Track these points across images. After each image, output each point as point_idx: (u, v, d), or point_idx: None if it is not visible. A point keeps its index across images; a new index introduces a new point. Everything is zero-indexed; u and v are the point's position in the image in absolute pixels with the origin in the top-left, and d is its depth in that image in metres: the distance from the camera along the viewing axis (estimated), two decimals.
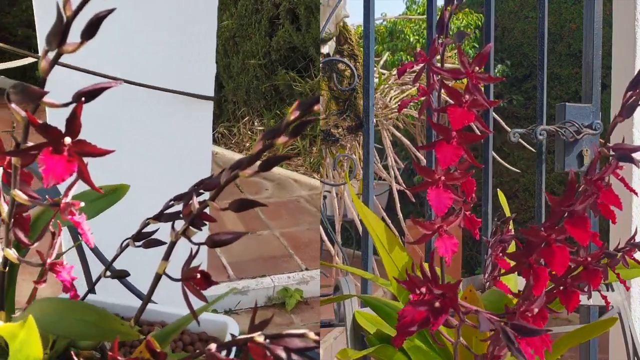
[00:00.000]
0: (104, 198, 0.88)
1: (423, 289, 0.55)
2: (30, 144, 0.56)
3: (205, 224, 0.65)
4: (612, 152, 0.66)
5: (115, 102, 1.45)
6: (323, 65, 1.81)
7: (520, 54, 4.55)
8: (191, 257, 0.66)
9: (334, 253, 1.98)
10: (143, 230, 0.75)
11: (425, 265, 0.57)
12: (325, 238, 1.94)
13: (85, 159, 0.55)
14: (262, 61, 4.56)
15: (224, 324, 0.92)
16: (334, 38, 1.94)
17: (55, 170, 0.53)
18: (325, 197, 2.23)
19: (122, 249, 0.78)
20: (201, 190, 0.66)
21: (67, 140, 0.53)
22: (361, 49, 1.85)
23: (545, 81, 1.21)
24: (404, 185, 2.16)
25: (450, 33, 0.68)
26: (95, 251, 1.10)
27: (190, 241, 0.64)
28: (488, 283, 0.88)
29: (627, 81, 0.68)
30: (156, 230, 0.74)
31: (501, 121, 2.15)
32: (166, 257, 0.68)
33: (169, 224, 0.68)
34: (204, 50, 1.55)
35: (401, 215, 2.21)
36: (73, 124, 0.54)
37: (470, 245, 4.54)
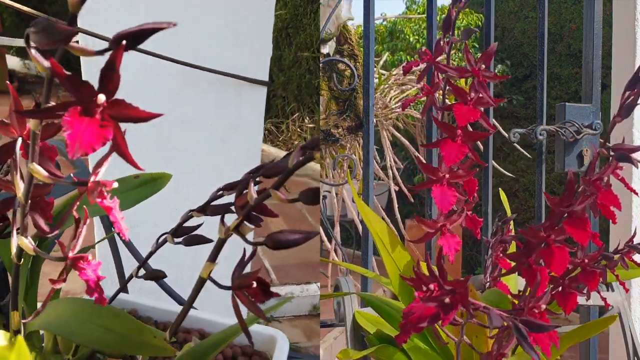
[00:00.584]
0: (142, 187, 0.76)
1: (431, 286, 0.55)
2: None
3: (262, 220, 0.54)
4: (611, 153, 0.66)
5: (160, 84, 1.36)
6: (323, 65, 1.81)
7: (520, 54, 4.55)
8: (244, 260, 0.55)
9: (332, 252, 1.98)
10: (184, 225, 0.64)
11: (423, 265, 0.58)
12: (325, 238, 1.94)
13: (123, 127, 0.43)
14: (315, 54, 4.25)
15: (271, 338, 0.82)
16: (334, 38, 1.94)
17: (84, 136, 0.40)
18: (325, 197, 2.23)
19: (158, 245, 0.67)
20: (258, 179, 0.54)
21: (101, 98, 0.40)
22: (361, 49, 1.85)
23: (545, 81, 1.21)
24: (403, 186, 2.16)
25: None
26: (130, 246, 0.99)
27: (245, 240, 0.53)
28: (488, 283, 0.88)
29: (627, 81, 0.69)
30: (200, 225, 0.64)
31: (498, 125, 2.15)
32: (212, 258, 0.56)
33: (216, 218, 0.57)
34: (259, 36, 1.44)
35: (399, 215, 2.21)
36: (109, 77, 0.40)
37: (470, 245, 4.54)
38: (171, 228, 0.65)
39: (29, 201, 0.55)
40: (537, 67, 1.22)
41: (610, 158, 0.65)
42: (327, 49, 1.95)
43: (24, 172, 0.54)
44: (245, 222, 0.53)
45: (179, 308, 0.83)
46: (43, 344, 0.73)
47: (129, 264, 0.89)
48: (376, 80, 2.13)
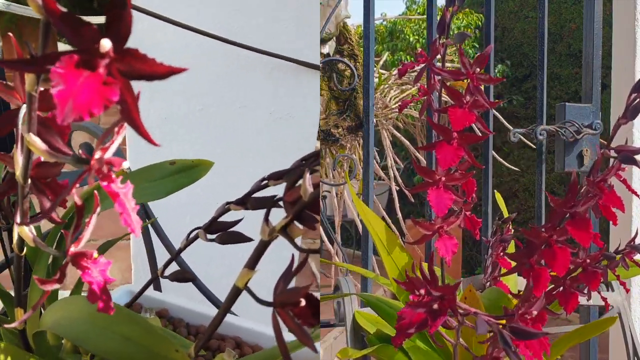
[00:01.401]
0: (178, 175, 0.67)
1: (422, 291, 0.55)
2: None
3: (317, 221, 0.43)
4: (614, 154, 0.66)
5: (217, 68, 1.32)
6: (323, 65, 1.81)
7: (520, 54, 4.55)
8: (291, 270, 0.45)
9: (333, 252, 1.98)
10: (219, 219, 0.57)
11: (425, 266, 0.57)
12: (325, 238, 1.94)
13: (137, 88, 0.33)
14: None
15: (315, 358, 0.71)
16: (334, 38, 1.94)
17: (80, 96, 0.29)
18: (325, 197, 2.23)
19: (188, 241, 0.60)
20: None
21: (106, 45, 0.30)
22: (361, 49, 1.85)
23: (545, 81, 1.21)
24: (403, 186, 2.16)
25: (451, 33, 0.68)
26: (164, 239, 0.89)
27: (294, 244, 0.43)
28: (488, 283, 0.88)
29: (627, 81, 0.68)
30: (239, 221, 0.57)
31: (502, 119, 2.15)
32: (251, 264, 0.47)
33: (260, 213, 0.48)
34: (309, 18, 1.40)
35: (400, 215, 2.21)
36: (118, 17, 0.30)
37: (470, 245, 4.53)
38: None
39: (29, 181, 0.47)
40: (537, 67, 1.22)
41: (613, 159, 0.65)
42: (327, 49, 1.95)
43: (24, 147, 0.46)
44: (295, 222, 0.42)
45: (213, 311, 0.75)
46: (63, 341, 0.65)
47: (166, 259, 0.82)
48: (376, 80, 2.13)
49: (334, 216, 2.08)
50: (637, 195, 0.68)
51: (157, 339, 0.52)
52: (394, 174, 2.17)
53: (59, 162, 0.45)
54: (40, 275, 0.60)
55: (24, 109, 0.46)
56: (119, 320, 0.52)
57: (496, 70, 4.33)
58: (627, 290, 0.84)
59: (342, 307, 0.89)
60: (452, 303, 0.54)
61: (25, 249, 0.53)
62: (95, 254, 0.48)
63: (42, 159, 0.48)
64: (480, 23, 4.23)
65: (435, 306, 0.54)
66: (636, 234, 0.76)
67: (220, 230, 0.57)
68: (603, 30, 1.20)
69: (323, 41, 1.92)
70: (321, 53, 1.96)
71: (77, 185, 0.45)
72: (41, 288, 0.47)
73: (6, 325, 0.55)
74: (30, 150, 0.44)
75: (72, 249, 0.48)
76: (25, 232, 0.49)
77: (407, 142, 2.20)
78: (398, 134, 2.20)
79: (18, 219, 0.49)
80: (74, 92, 0.29)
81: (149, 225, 0.93)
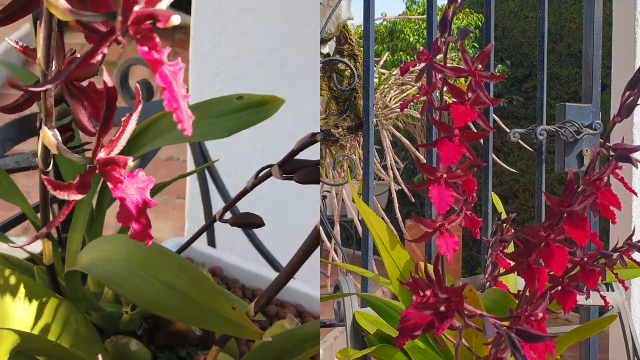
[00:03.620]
0: (245, 112, 0.57)
1: (427, 292, 0.55)
2: None
3: None
4: (611, 152, 0.66)
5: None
6: (323, 65, 1.81)
7: (520, 54, 4.55)
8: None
9: (332, 252, 1.98)
10: (297, 155, 0.45)
11: (430, 267, 0.57)
12: (325, 238, 1.94)
13: None
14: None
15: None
16: (334, 38, 1.94)
17: None
18: (324, 197, 2.23)
19: (257, 179, 0.48)
20: None
21: None
22: (361, 49, 1.85)
23: (545, 81, 1.21)
24: (404, 186, 2.16)
25: (451, 33, 0.68)
26: (219, 185, 0.78)
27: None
28: (488, 283, 0.88)
29: (627, 81, 0.69)
30: (318, 162, 0.47)
31: (500, 122, 2.15)
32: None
33: None
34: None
35: (400, 215, 2.21)
36: None
37: (470, 245, 4.53)
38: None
39: (68, 82, 0.38)
40: (537, 67, 1.22)
41: (610, 158, 0.65)
42: (327, 49, 1.95)
43: (44, 17, 0.36)
44: None
45: (272, 273, 0.67)
46: (105, 289, 0.58)
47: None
48: (376, 80, 2.13)
49: (334, 216, 2.09)
50: (636, 194, 0.68)
51: (210, 292, 0.43)
52: (394, 173, 2.18)
53: (95, 60, 0.34)
54: (82, 220, 0.51)
55: None
56: (162, 265, 0.43)
57: (496, 70, 4.33)
58: (626, 288, 0.84)
59: (342, 307, 0.89)
60: (459, 306, 0.54)
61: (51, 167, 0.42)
62: (131, 162, 0.37)
63: (111, 83, 0.37)
64: (480, 23, 4.23)
65: (442, 308, 0.54)
66: (633, 231, 0.76)
67: (296, 170, 0.48)
68: (603, 30, 1.20)
69: (323, 41, 1.93)
70: (321, 53, 1.96)
71: (99, 52, 0.33)
72: (54, 194, 0.38)
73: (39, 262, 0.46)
74: (51, 19, 0.36)
75: (101, 154, 0.37)
76: (48, 136, 0.39)
77: (407, 142, 2.20)
78: (398, 134, 2.20)
79: (41, 122, 0.40)
80: None
81: (206, 171, 0.80)
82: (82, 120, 0.41)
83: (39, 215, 0.50)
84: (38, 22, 0.37)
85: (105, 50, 0.33)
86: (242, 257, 0.73)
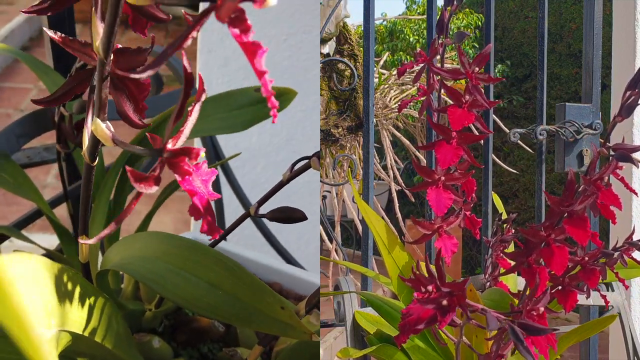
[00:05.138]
0: (261, 104, 0.56)
1: (430, 287, 0.55)
2: None
3: None
4: (611, 152, 0.66)
5: None
6: (323, 65, 1.81)
7: (520, 54, 4.55)
8: None
9: (333, 252, 1.98)
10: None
11: (430, 267, 0.57)
12: (325, 238, 1.94)
13: None
14: None
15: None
16: (334, 38, 1.94)
17: None
18: (325, 197, 2.23)
19: (293, 172, 0.47)
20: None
21: None
22: (361, 49, 1.85)
23: (545, 81, 1.21)
24: (404, 186, 2.16)
25: (450, 33, 0.68)
26: (233, 182, 0.77)
27: None
28: (488, 283, 0.88)
29: (627, 81, 0.69)
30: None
31: (499, 122, 2.15)
32: None
33: None
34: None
35: (400, 215, 2.21)
36: None
37: (470, 245, 4.54)
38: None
39: (112, 72, 0.36)
40: (537, 67, 1.22)
41: (611, 158, 0.65)
42: (327, 48, 1.95)
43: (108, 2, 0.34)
44: None
45: (287, 266, 0.66)
46: (122, 286, 0.58)
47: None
48: (376, 80, 2.13)
49: (334, 216, 2.09)
50: (636, 194, 0.68)
51: (257, 292, 0.41)
52: (394, 173, 2.18)
53: (145, 50, 0.33)
54: (101, 216, 0.50)
55: None
56: (205, 264, 0.41)
57: (496, 70, 4.33)
58: (627, 287, 0.84)
59: (342, 306, 0.89)
60: (461, 299, 0.54)
61: (90, 161, 0.38)
62: (203, 154, 0.36)
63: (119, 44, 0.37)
64: (480, 23, 4.23)
65: (445, 302, 0.54)
66: (633, 230, 0.76)
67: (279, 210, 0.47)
68: (603, 30, 1.20)
69: (323, 41, 1.93)
70: (321, 53, 1.96)
71: (190, 38, 0.31)
72: (136, 187, 0.35)
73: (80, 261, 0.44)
74: (118, 3, 0.33)
75: (170, 145, 0.34)
76: (101, 128, 0.37)
77: (407, 142, 2.20)
78: (398, 134, 2.20)
79: (91, 115, 0.38)
80: None
81: (219, 168, 0.79)
82: (128, 112, 0.39)
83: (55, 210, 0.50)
84: (93, 9, 0.35)
85: (194, 34, 0.32)
86: (254, 249, 0.71)
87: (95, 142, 0.39)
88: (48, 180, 1.54)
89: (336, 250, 1.96)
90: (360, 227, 1.79)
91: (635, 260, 0.74)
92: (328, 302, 0.99)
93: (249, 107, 0.56)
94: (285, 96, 0.59)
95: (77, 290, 0.39)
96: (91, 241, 0.39)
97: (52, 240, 0.71)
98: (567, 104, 1.20)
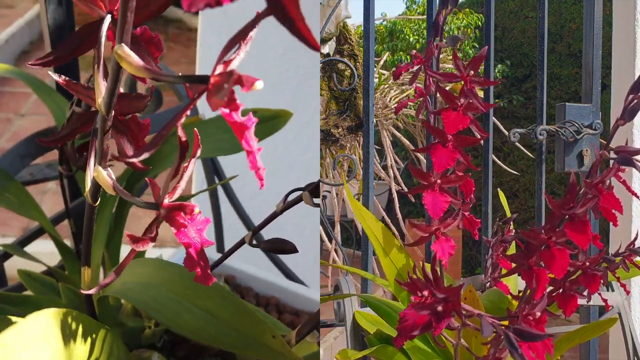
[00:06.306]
0: (260, 125, 0.43)
1: (425, 292, 0.55)
2: None
3: None
4: (613, 155, 0.66)
5: None
6: (323, 65, 1.81)
7: (520, 54, 4.54)
8: None
9: (332, 252, 1.98)
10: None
11: (427, 267, 0.57)
12: (325, 238, 1.94)
13: None
14: None
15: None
16: (334, 38, 1.93)
17: None
18: (325, 197, 2.23)
19: (286, 204, 0.47)
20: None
21: None
22: (361, 49, 1.85)
23: (545, 81, 1.21)
24: (404, 186, 2.16)
25: (450, 33, 0.68)
26: (234, 201, 0.79)
27: None
28: (488, 284, 0.88)
29: (627, 81, 0.68)
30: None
31: (498, 123, 2.15)
32: None
33: None
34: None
35: (400, 215, 2.21)
36: None
37: (470, 245, 4.53)
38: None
39: (113, 116, 0.38)
40: (537, 67, 1.22)
41: (612, 161, 0.65)
42: (327, 48, 1.95)
43: (110, 67, 0.36)
44: None
45: (284, 281, 0.68)
46: (122, 302, 0.60)
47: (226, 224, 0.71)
48: (376, 80, 2.13)
49: (334, 216, 2.09)
50: (637, 197, 0.68)
51: (251, 321, 0.43)
52: (394, 173, 2.17)
53: (143, 94, 0.35)
54: (102, 234, 0.53)
55: (107, 21, 0.37)
56: (204, 293, 0.42)
57: (496, 70, 4.33)
58: (628, 292, 0.84)
59: (342, 307, 0.89)
60: (456, 305, 0.54)
61: (91, 198, 0.42)
62: (197, 209, 0.37)
63: (122, 89, 0.38)
64: (480, 23, 4.23)
65: (440, 308, 0.54)
66: (636, 236, 0.76)
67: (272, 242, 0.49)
68: (603, 30, 1.20)
69: (323, 41, 1.92)
70: (321, 53, 1.96)
71: (183, 117, 0.33)
72: (133, 247, 0.37)
73: (83, 291, 0.46)
74: (118, 70, 0.34)
75: (167, 201, 0.37)
76: (103, 176, 0.39)
77: (407, 142, 2.20)
78: (398, 134, 2.20)
79: (93, 161, 0.40)
80: None
81: (217, 180, 0.80)
82: (128, 154, 0.41)
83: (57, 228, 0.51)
84: (96, 66, 0.37)
85: (188, 112, 0.35)
86: (252, 263, 0.74)
87: (97, 187, 0.41)
88: (49, 186, 1.55)
89: (336, 251, 1.96)
90: (360, 227, 1.79)
91: (637, 265, 0.74)
92: (328, 301, 0.99)
93: None
94: (280, 118, 0.62)
95: (81, 328, 0.41)
96: (91, 291, 0.42)
97: (53, 257, 0.72)
98: (567, 104, 1.20)
